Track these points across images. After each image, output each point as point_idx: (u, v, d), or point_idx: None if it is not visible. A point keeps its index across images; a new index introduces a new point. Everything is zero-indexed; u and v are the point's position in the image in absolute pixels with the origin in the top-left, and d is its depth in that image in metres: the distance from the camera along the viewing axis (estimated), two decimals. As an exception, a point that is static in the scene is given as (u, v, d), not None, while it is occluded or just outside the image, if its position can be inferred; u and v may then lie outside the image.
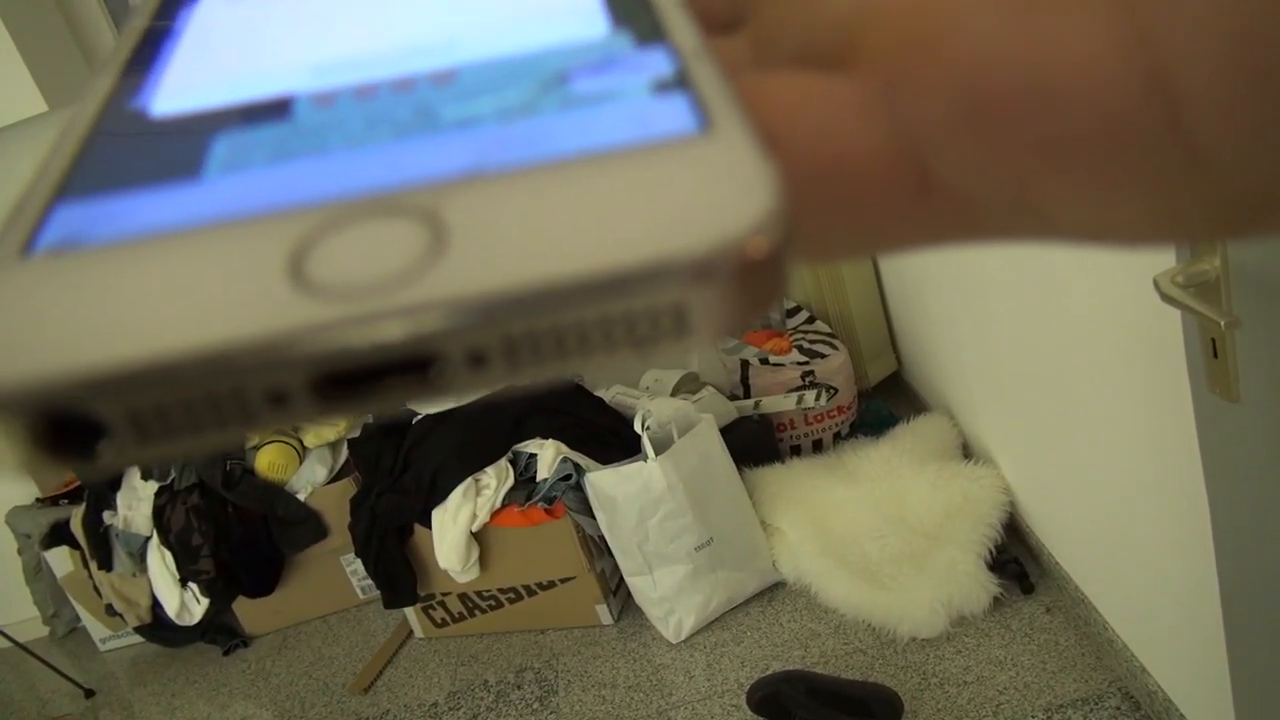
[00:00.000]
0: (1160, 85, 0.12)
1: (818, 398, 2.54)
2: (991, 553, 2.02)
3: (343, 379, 0.11)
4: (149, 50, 0.16)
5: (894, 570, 2.09)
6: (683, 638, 2.20)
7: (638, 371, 2.72)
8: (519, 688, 2.26)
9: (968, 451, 2.35)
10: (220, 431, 0.11)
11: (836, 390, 2.57)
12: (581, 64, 0.14)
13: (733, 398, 2.61)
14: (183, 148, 0.14)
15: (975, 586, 1.97)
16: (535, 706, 2.18)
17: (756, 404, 2.58)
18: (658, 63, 0.14)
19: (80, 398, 0.11)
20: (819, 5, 0.15)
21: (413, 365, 0.11)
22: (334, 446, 2.70)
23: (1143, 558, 1.54)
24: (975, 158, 0.13)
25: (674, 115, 0.13)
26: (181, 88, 0.15)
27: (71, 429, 0.11)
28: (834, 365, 2.60)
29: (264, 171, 0.13)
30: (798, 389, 2.57)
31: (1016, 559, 2.05)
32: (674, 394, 2.54)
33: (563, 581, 2.34)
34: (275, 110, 0.14)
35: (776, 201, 0.11)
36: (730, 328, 0.12)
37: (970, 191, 0.14)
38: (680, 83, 0.14)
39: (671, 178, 0.12)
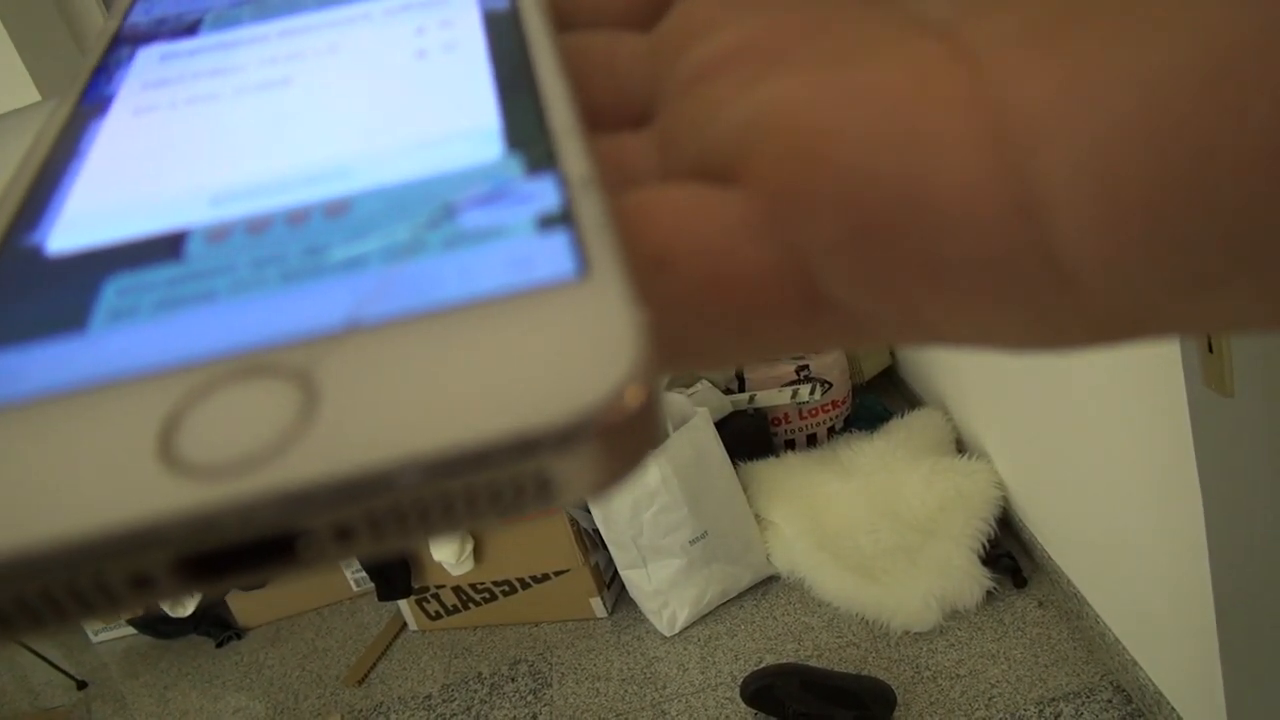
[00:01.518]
0: (1030, 213, 0.12)
1: (812, 392, 2.54)
2: (985, 547, 2.03)
3: (207, 559, 0.11)
4: (53, 176, 0.16)
5: (887, 564, 2.09)
6: (677, 631, 2.21)
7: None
8: (513, 680, 2.26)
9: (961, 446, 2.36)
10: (81, 615, 0.11)
11: (831, 385, 2.57)
12: (471, 195, 0.14)
13: (727, 391, 2.61)
14: (73, 294, 0.13)
15: (968, 581, 1.98)
16: (529, 699, 2.18)
17: (751, 398, 2.58)
18: (545, 194, 0.14)
19: None
20: (713, 114, 0.15)
21: (278, 541, 0.11)
22: (328, 439, 2.70)
23: (1135, 552, 1.55)
24: (860, 276, 0.13)
25: (554, 257, 0.13)
26: (79, 220, 0.15)
27: None
28: (828, 360, 2.60)
29: (147, 324, 0.13)
30: (792, 383, 2.58)
31: (1009, 553, 2.06)
32: (668, 387, 2.55)
33: (557, 574, 2.34)
34: (169, 247, 0.14)
35: (639, 358, 0.11)
36: (597, 489, 0.12)
37: (858, 308, 0.14)
38: (564, 218, 0.13)
39: (544, 331, 0.12)
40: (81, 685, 2.77)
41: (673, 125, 0.16)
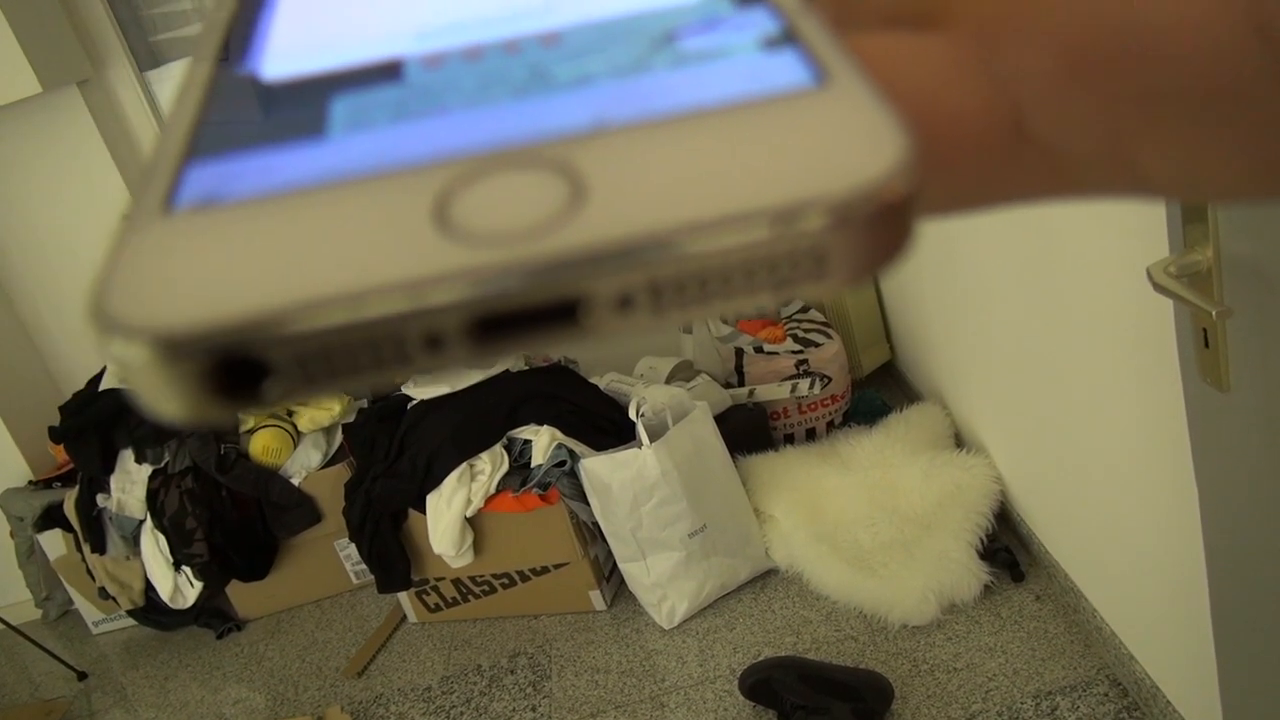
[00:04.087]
0: (1265, 36, 0.12)
1: (811, 386, 2.55)
2: (982, 541, 2.04)
3: (495, 323, 0.11)
4: (248, 15, 0.16)
5: (885, 558, 2.10)
6: (675, 624, 2.21)
7: (634, 357, 2.73)
8: (512, 672, 2.27)
9: (960, 441, 2.36)
10: (377, 372, 0.11)
11: (830, 379, 2.58)
12: (685, 24, 0.14)
13: (727, 385, 2.62)
14: (302, 109, 0.14)
15: (966, 574, 1.99)
16: (528, 691, 2.19)
17: (751, 392, 2.59)
18: (762, 21, 0.14)
19: (252, 341, 0.11)
20: None
21: (562, 309, 0.11)
22: (329, 431, 2.70)
23: (1132, 546, 1.56)
24: (1074, 111, 0.13)
25: (791, 69, 0.13)
26: (287, 53, 0.15)
27: (237, 371, 0.11)
28: (828, 354, 2.61)
29: (388, 130, 0.13)
30: (792, 377, 2.58)
31: (1007, 547, 2.07)
32: (669, 381, 2.55)
33: (556, 567, 2.35)
34: (386, 73, 0.14)
35: (908, 149, 0.12)
36: (866, 271, 0.12)
37: (1067, 146, 0.14)
38: (789, 39, 0.14)
39: (800, 127, 0.12)
40: (82, 676, 2.78)
41: None
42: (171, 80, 3.04)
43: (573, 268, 0.11)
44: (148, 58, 3.04)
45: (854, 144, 0.12)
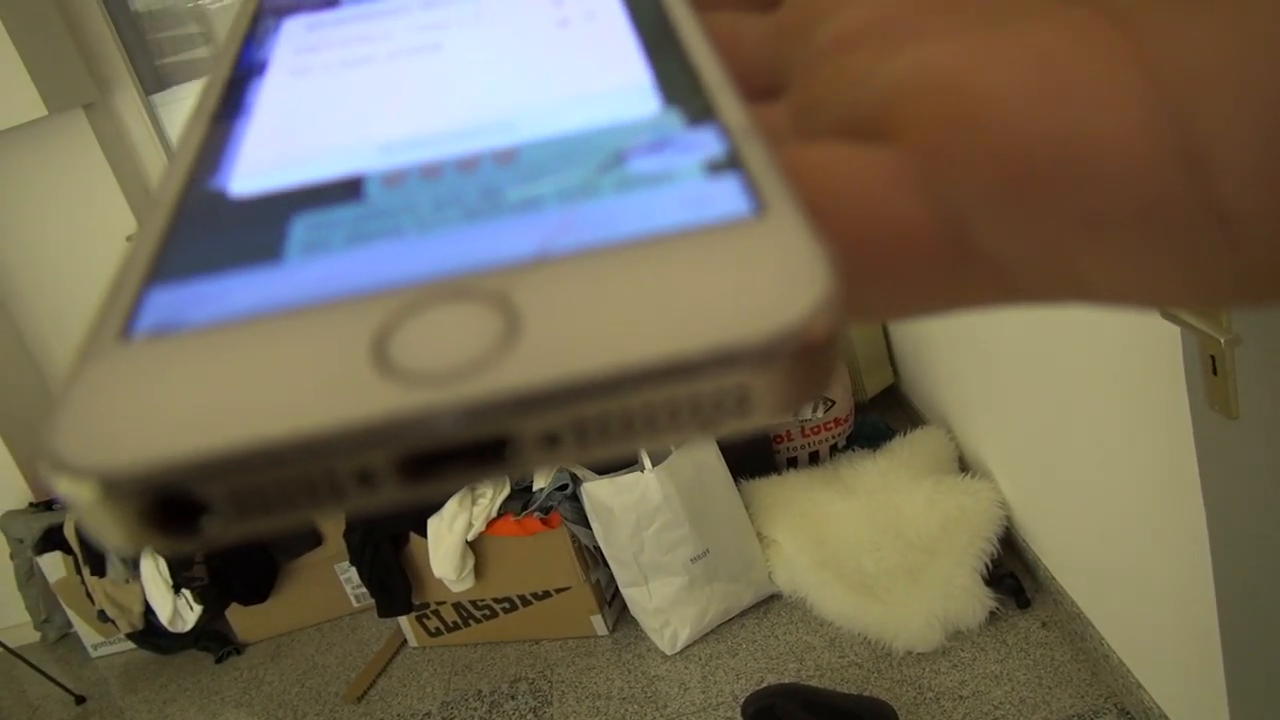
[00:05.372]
0: (1192, 162, 0.12)
1: (814, 410, 2.54)
2: (988, 567, 2.02)
3: (425, 460, 0.12)
4: (222, 129, 0.17)
5: (890, 583, 2.09)
6: (678, 649, 2.20)
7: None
8: (513, 698, 2.25)
9: (964, 465, 2.35)
10: (312, 508, 0.12)
11: (833, 402, 2.57)
12: (637, 144, 0.15)
13: (730, 409, 2.61)
14: (264, 229, 0.14)
15: (971, 601, 1.97)
16: (529, 717, 2.17)
17: (753, 415, 2.58)
18: (709, 142, 0.15)
19: (188, 480, 0.11)
20: (859, 78, 0.15)
21: (490, 447, 0.12)
22: (330, 454, 2.70)
23: (1139, 573, 1.55)
24: (1015, 228, 0.14)
25: (728, 197, 0.13)
26: (257, 167, 0.16)
27: (176, 508, 0.12)
28: (831, 377, 2.60)
29: (341, 255, 0.14)
30: (795, 401, 2.57)
31: (1012, 574, 2.05)
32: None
33: (558, 592, 2.33)
34: (348, 190, 0.15)
35: (832, 284, 0.12)
36: (789, 407, 0.12)
37: (1009, 260, 0.14)
38: (732, 163, 0.14)
39: (730, 261, 0.13)
40: (80, 700, 2.76)
41: (811, 91, 0.16)
42: (175, 118, 3.06)
43: (499, 411, 0.11)
44: (153, 81, 3.06)
45: (780, 280, 0.12)
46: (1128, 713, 1.70)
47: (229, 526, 0.12)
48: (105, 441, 0.11)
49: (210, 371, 0.12)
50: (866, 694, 1.90)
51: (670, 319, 0.12)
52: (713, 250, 0.13)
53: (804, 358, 0.12)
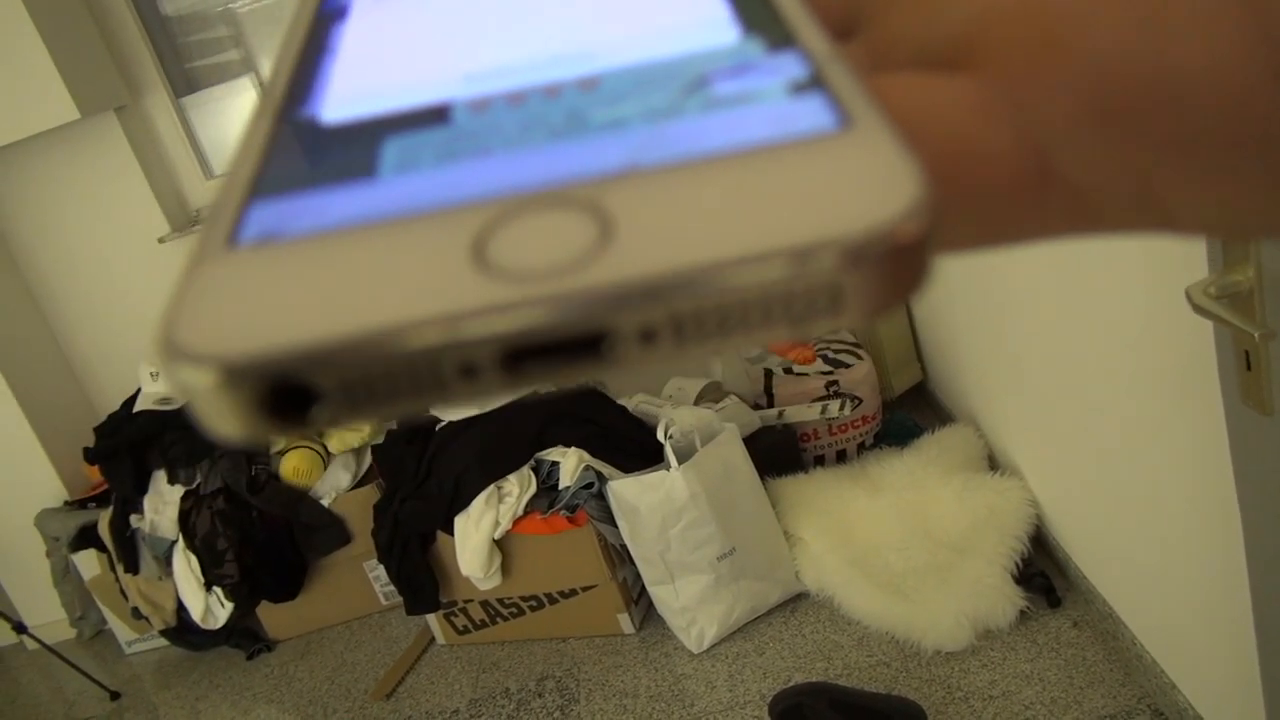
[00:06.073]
0: None
1: (842, 408, 2.53)
2: (1018, 565, 2.00)
3: (525, 354, 0.12)
4: (311, 61, 0.18)
5: (918, 582, 2.07)
6: (704, 648, 2.19)
7: (662, 378, 2.72)
8: (540, 696, 2.26)
9: (993, 463, 2.33)
10: (416, 400, 0.12)
11: (861, 400, 2.55)
12: (718, 69, 0.15)
13: (756, 407, 2.60)
14: (356, 151, 0.15)
15: (1001, 599, 1.95)
16: (556, 715, 2.17)
17: (780, 413, 2.57)
18: (792, 66, 0.15)
19: (303, 367, 0.12)
20: (938, 9, 0.15)
21: (588, 342, 0.12)
22: (358, 453, 2.72)
23: (1172, 572, 1.52)
24: (1102, 154, 0.14)
25: (815, 113, 0.14)
26: (345, 98, 0.17)
27: (289, 396, 0.12)
28: (858, 375, 2.58)
29: (434, 172, 0.14)
30: (822, 399, 2.56)
31: (1043, 572, 2.03)
32: (697, 403, 2.54)
33: (584, 590, 2.33)
34: (435, 116, 0.15)
35: (924, 190, 0.12)
36: (879, 309, 0.12)
37: (1093, 187, 0.14)
38: (816, 83, 0.14)
39: (820, 169, 0.13)
40: (115, 696, 2.80)
41: (889, 26, 0.16)
42: (205, 120, 3.09)
43: (598, 304, 0.12)
44: (184, 84, 3.09)
45: (871, 186, 0.12)
46: (1161, 713, 1.68)
47: (337, 415, 0.12)
48: (224, 332, 0.12)
49: (318, 273, 0.13)
50: (895, 693, 1.88)
51: (764, 220, 0.12)
52: (803, 160, 0.13)
53: (896, 258, 0.12)
